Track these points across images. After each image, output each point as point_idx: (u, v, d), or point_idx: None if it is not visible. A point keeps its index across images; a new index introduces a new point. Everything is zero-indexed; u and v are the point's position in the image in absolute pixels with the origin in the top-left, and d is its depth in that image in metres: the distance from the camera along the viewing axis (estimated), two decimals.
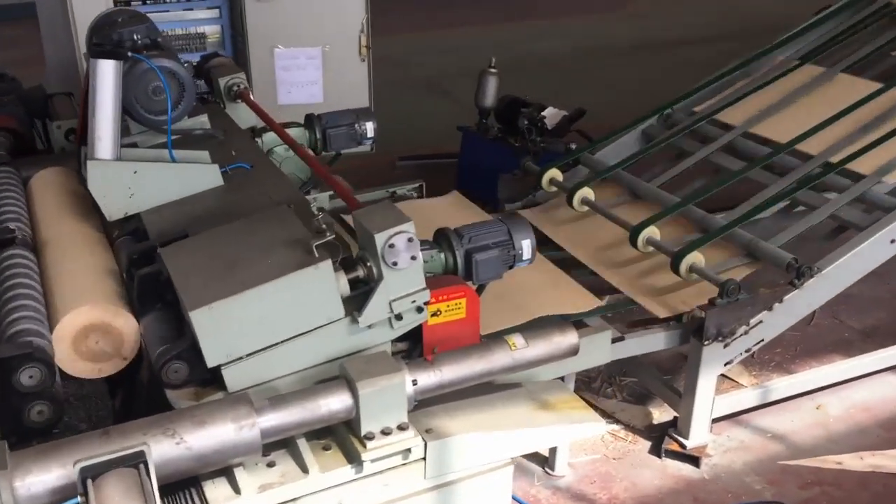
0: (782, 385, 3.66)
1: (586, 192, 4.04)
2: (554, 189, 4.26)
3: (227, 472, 2.06)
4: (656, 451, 3.48)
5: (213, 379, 2.22)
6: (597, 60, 9.31)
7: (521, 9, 11.71)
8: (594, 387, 3.89)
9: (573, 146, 4.94)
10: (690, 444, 3.43)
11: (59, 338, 2.24)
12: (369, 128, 3.67)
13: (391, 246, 2.20)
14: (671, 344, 3.32)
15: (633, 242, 3.65)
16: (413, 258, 2.24)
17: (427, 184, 5.98)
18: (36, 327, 2.21)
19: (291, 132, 3.61)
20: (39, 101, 3.85)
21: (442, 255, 2.53)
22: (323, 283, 2.20)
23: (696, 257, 3.42)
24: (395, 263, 2.22)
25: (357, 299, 2.27)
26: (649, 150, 4.37)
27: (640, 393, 3.84)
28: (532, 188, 4.40)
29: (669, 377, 3.79)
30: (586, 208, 4.04)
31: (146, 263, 2.41)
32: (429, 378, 2.25)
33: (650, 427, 3.64)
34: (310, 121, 3.64)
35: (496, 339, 2.39)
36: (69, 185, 3.06)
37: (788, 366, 4.03)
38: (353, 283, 2.30)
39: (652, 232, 3.64)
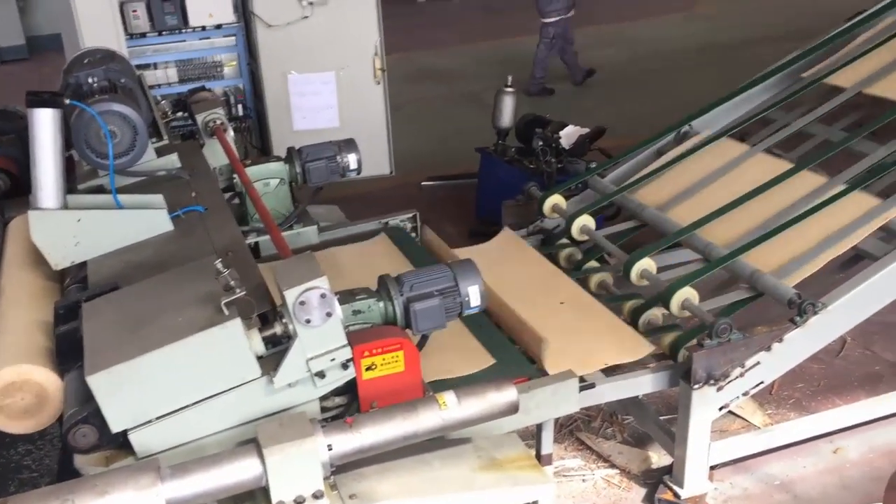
0: (793, 428, 3.38)
1: (586, 220, 3.84)
2: (556, 216, 4.07)
3: None
4: (650, 499, 3.26)
5: (126, 442, 2.15)
6: (657, 66, 9.03)
7: (578, 15, 11.50)
8: (594, 426, 3.68)
9: (593, 165, 4.73)
10: (686, 493, 3.19)
11: None
12: (352, 160, 3.58)
13: (302, 303, 2.10)
14: (658, 387, 3.10)
15: (627, 275, 3.44)
16: (328, 314, 2.13)
17: (451, 206, 5.90)
18: None
19: (273, 166, 3.57)
20: None
21: (381, 305, 2.41)
22: (233, 342, 2.11)
23: (688, 293, 3.19)
24: (308, 321, 2.11)
25: (275, 357, 2.18)
26: (660, 171, 4.13)
27: (642, 434, 3.62)
28: (537, 214, 4.22)
29: (675, 416, 3.55)
30: (586, 237, 3.85)
31: (74, 317, 2.36)
32: (347, 443, 2.12)
33: (648, 472, 3.42)
34: (290, 154, 3.57)
35: (426, 398, 2.25)
36: None
37: (809, 403, 3.73)
38: (274, 341, 2.21)
39: (646, 264, 3.43)
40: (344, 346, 2.18)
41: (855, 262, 3.50)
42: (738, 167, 3.90)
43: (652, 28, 10.60)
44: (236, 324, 2.10)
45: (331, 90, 5.38)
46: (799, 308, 3.04)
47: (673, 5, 11.54)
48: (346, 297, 2.37)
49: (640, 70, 8.93)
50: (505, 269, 3.61)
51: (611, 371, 3.02)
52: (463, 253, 3.67)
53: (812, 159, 3.73)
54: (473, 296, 2.46)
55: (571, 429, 3.67)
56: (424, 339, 2.51)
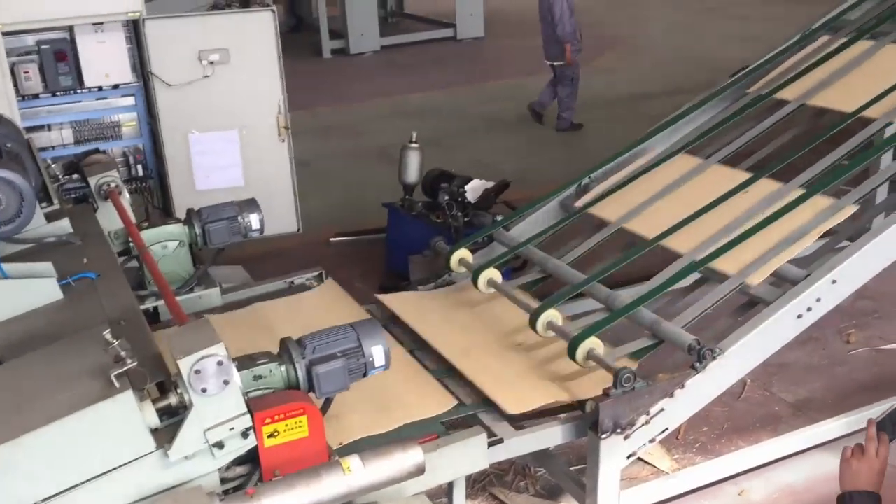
0: (700, 472, 3.45)
1: (492, 274, 3.87)
2: (464, 270, 4.09)
3: None
4: None
5: None
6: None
7: (484, 71, 11.78)
8: (507, 480, 3.67)
9: (499, 218, 4.79)
10: None
11: None
12: (254, 220, 3.53)
13: (198, 371, 2.03)
14: (567, 438, 3.10)
15: (533, 327, 3.47)
16: (226, 382, 2.07)
17: (360, 262, 5.88)
18: None
19: (170, 229, 3.49)
20: None
21: (283, 369, 2.36)
22: (124, 416, 2.02)
23: (593, 343, 3.23)
24: (204, 390, 2.05)
25: (171, 429, 2.09)
26: (563, 224, 4.21)
27: (554, 485, 3.62)
28: (445, 269, 4.24)
29: (585, 465, 3.57)
30: (493, 290, 3.87)
31: None
32: None
33: None
34: (189, 216, 3.50)
35: (330, 463, 2.20)
36: None
37: (714, 446, 3.81)
38: (169, 412, 2.13)
39: (552, 315, 3.47)
40: (243, 414, 2.12)
41: (749, 307, 3.62)
42: (643, 212, 3.99)
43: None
44: (127, 396, 2.01)
45: (234, 149, 5.32)
46: (698, 354, 3.12)
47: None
48: (245, 362, 2.31)
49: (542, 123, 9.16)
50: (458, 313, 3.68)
51: (520, 425, 3.02)
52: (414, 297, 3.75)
53: (770, 168, 3.86)
54: (378, 356, 2.43)
55: (484, 484, 3.64)
56: (328, 402, 2.46)
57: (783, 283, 3.42)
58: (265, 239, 3.96)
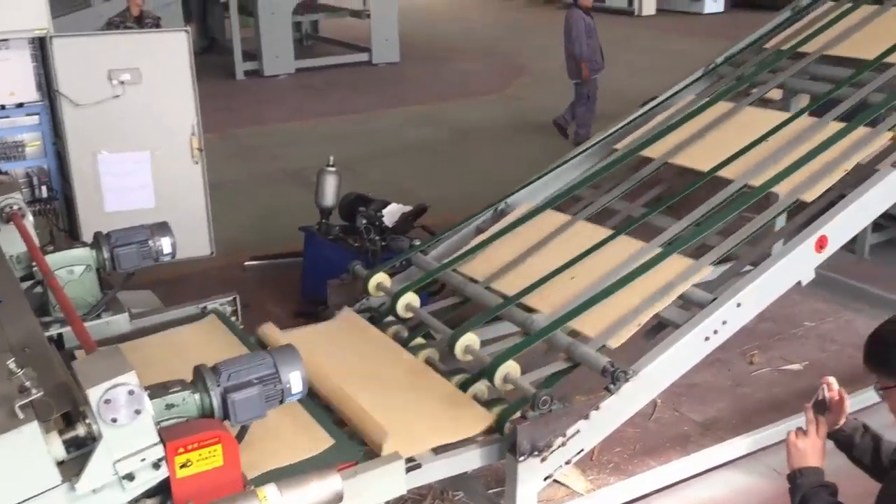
0: (613, 492, 3.51)
1: (410, 298, 3.88)
2: (382, 294, 4.09)
3: None
4: None
5: None
6: (476, 144, 9.40)
7: (400, 96, 11.85)
8: None
9: (417, 243, 4.80)
10: None
11: None
12: (166, 243, 3.44)
13: (108, 401, 1.97)
14: (485, 461, 3.12)
15: (452, 350, 3.48)
16: (137, 412, 2.01)
17: (276, 287, 5.80)
18: None
19: (76, 253, 3.37)
20: None
21: (197, 397, 2.31)
22: (29, 448, 1.94)
23: (510, 366, 3.27)
24: (114, 420, 1.98)
25: (79, 461, 2.02)
26: (480, 248, 4.25)
27: None
28: (363, 293, 4.22)
29: (503, 488, 3.59)
30: (411, 314, 3.88)
31: None
32: None
33: None
34: (97, 240, 3.38)
35: (245, 493, 2.15)
36: None
37: (627, 466, 3.89)
38: (77, 443, 2.05)
39: (470, 339, 3.49)
40: (155, 444, 2.06)
41: (660, 330, 3.72)
42: (559, 236, 4.06)
43: (468, 109, 11.06)
44: (32, 428, 1.93)
45: (145, 170, 5.19)
46: (612, 376, 3.19)
47: (487, 88, 12.12)
48: (157, 390, 2.25)
49: (459, 148, 9.26)
50: (345, 349, 3.58)
51: (439, 448, 3.02)
52: (300, 333, 3.63)
53: (629, 225, 3.96)
54: (295, 382, 2.41)
55: None
56: (244, 430, 2.42)
57: (691, 307, 3.54)
58: (177, 263, 3.87)
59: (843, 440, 2.54)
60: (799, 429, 2.48)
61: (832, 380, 2.53)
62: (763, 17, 5.44)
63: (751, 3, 16.74)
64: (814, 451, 2.42)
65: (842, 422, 2.53)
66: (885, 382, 2.30)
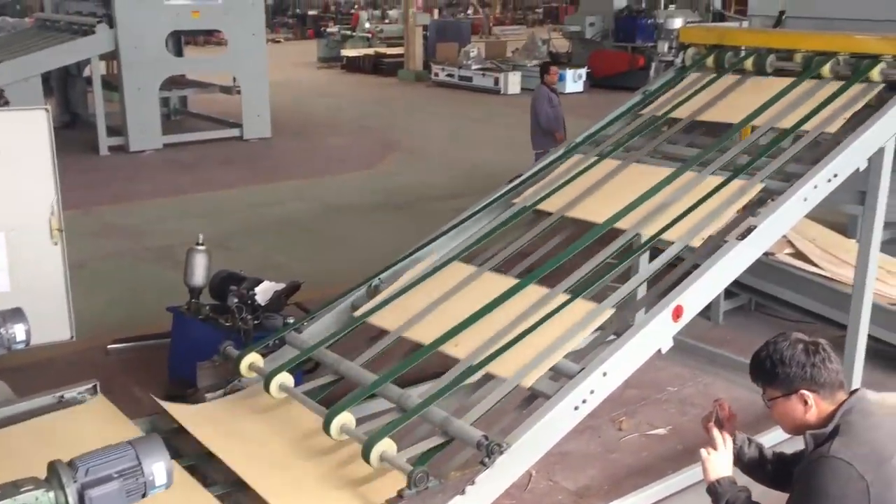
0: None
1: (283, 378, 3.82)
2: (255, 375, 4.00)
3: None
4: None
5: None
6: (347, 219, 9.43)
7: (272, 171, 11.78)
8: None
9: (290, 320, 4.73)
10: None
11: None
12: (19, 331, 3.26)
13: None
14: None
15: (327, 431, 3.44)
16: None
17: (142, 370, 5.56)
18: None
19: None
20: None
21: (51, 495, 2.16)
22: None
23: (385, 445, 3.26)
24: None
25: None
26: (351, 329, 4.24)
27: None
28: (235, 375, 4.11)
29: None
30: (285, 395, 3.81)
31: None
32: None
33: None
34: None
35: None
36: None
37: None
38: None
39: (345, 419, 3.46)
40: None
41: (531, 401, 3.80)
42: (423, 319, 4.11)
43: (341, 184, 11.13)
44: None
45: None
46: (486, 449, 3.23)
47: (360, 163, 12.26)
48: (8, 489, 2.11)
49: (332, 223, 9.27)
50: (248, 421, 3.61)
51: None
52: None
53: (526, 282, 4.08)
54: (159, 474, 2.30)
55: None
56: None
57: (560, 377, 3.64)
58: (33, 348, 3.66)
59: (735, 453, 2.88)
60: (707, 445, 2.81)
61: (723, 399, 2.93)
62: (619, 97, 5.79)
63: (608, 85, 17.89)
64: (726, 462, 2.77)
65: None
66: (771, 394, 2.67)
